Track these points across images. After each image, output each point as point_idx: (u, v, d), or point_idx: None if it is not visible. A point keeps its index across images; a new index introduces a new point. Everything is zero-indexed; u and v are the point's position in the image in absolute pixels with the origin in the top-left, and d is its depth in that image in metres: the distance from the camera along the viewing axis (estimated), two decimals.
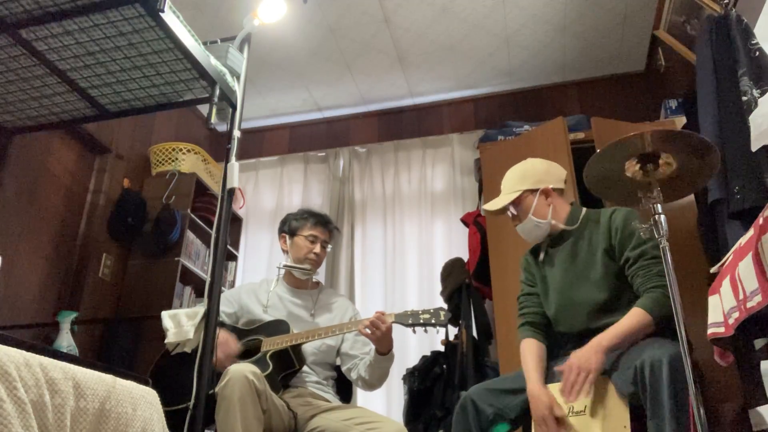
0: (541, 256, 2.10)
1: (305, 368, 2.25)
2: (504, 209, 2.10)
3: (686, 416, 1.46)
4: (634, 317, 1.74)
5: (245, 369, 1.90)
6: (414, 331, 2.16)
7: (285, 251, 2.50)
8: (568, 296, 1.97)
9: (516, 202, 2.06)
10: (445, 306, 3.13)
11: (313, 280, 2.51)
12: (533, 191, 2.05)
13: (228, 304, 2.39)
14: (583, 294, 1.93)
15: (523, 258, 2.20)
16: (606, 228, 1.94)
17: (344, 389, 2.40)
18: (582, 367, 1.69)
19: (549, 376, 1.91)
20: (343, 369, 2.35)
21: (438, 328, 2.14)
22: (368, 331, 2.10)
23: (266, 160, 4.40)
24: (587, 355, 1.70)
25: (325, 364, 2.34)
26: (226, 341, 2.16)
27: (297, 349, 2.18)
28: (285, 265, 2.44)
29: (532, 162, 2.13)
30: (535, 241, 2.11)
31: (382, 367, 2.20)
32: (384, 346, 2.15)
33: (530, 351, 1.96)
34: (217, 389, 1.90)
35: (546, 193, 2.05)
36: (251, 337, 2.25)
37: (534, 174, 2.08)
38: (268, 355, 2.14)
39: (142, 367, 2.28)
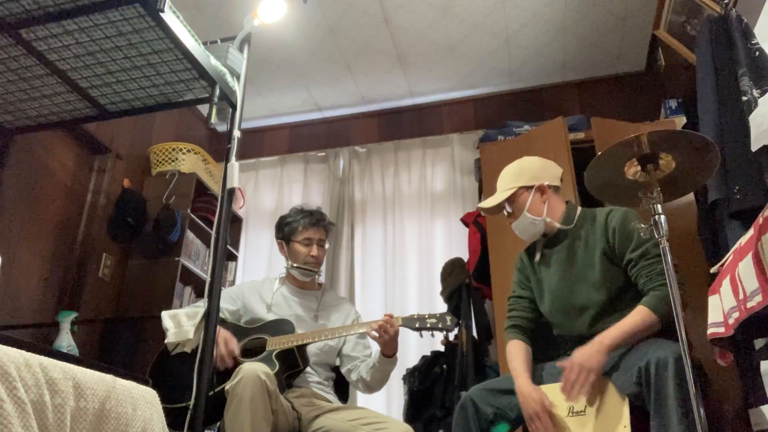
0: (537, 257, 2.09)
1: (307, 368, 2.25)
2: (500, 207, 2.08)
3: (693, 415, 1.45)
4: (638, 316, 1.73)
5: (258, 368, 1.89)
6: (421, 335, 2.18)
7: (284, 256, 2.50)
8: (566, 299, 1.96)
9: (511, 199, 2.04)
10: (446, 307, 3.14)
11: (317, 281, 2.51)
12: (528, 188, 2.04)
13: (231, 302, 2.38)
14: (581, 296, 1.92)
15: (518, 258, 2.19)
16: (603, 229, 1.93)
17: (342, 390, 2.40)
18: (584, 365, 1.69)
19: (537, 378, 1.91)
20: (343, 370, 2.35)
21: (445, 331, 2.16)
22: (376, 334, 2.09)
23: (266, 160, 4.40)
24: (589, 354, 1.70)
25: (325, 365, 2.34)
26: (225, 340, 2.15)
27: (302, 349, 2.18)
28: (292, 266, 2.43)
29: (528, 159, 2.12)
30: (531, 239, 2.09)
31: (385, 369, 2.20)
32: (390, 349, 2.15)
33: (517, 351, 1.97)
34: (228, 387, 1.89)
35: (541, 189, 2.04)
36: (255, 335, 2.24)
37: (530, 171, 2.07)
38: (274, 354, 2.13)
39: (142, 367, 2.27)
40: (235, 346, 2.16)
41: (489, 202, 2.09)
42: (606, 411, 1.70)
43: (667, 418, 1.51)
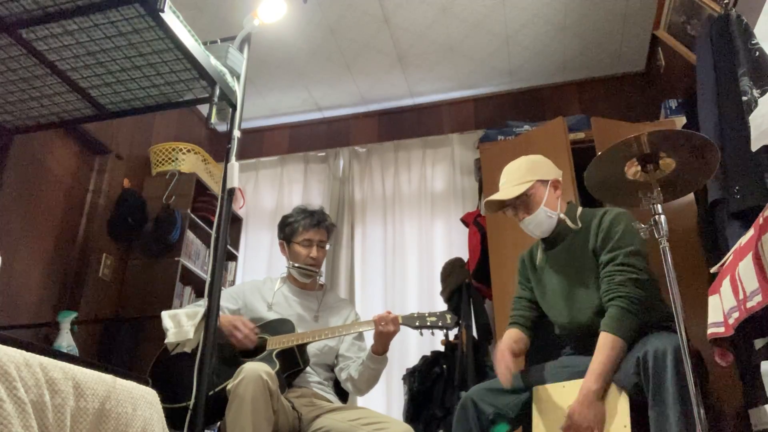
0: (538, 259, 2.08)
1: (307, 368, 2.25)
2: (503, 204, 2.00)
3: (690, 403, 1.44)
4: (606, 346, 1.71)
5: (260, 368, 1.89)
6: (421, 334, 2.18)
7: (286, 256, 2.50)
8: (566, 299, 1.96)
9: (528, 193, 1.95)
10: (446, 307, 3.14)
11: (319, 282, 2.51)
12: (544, 182, 1.98)
13: (232, 301, 2.39)
14: (580, 297, 1.92)
15: (519, 260, 2.19)
16: (595, 229, 1.92)
17: (342, 390, 2.40)
18: (590, 426, 1.67)
19: (538, 378, 1.91)
20: (335, 369, 2.36)
21: (445, 330, 2.16)
22: (377, 319, 2.11)
23: (266, 160, 4.41)
24: (585, 413, 1.67)
25: (325, 365, 2.34)
26: (242, 322, 2.19)
27: (302, 348, 2.18)
28: (293, 267, 2.43)
29: (534, 156, 2.07)
30: (542, 236, 2.02)
31: (374, 369, 2.19)
32: (382, 345, 2.15)
33: (507, 333, 2.03)
34: (230, 386, 1.90)
35: (555, 185, 2.00)
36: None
37: (542, 166, 2.02)
38: (274, 354, 2.13)
39: (142, 367, 2.27)
40: (250, 323, 2.20)
41: (504, 195, 1.96)
42: (606, 411, 1.70)
43: (665, 403, 1.50)
